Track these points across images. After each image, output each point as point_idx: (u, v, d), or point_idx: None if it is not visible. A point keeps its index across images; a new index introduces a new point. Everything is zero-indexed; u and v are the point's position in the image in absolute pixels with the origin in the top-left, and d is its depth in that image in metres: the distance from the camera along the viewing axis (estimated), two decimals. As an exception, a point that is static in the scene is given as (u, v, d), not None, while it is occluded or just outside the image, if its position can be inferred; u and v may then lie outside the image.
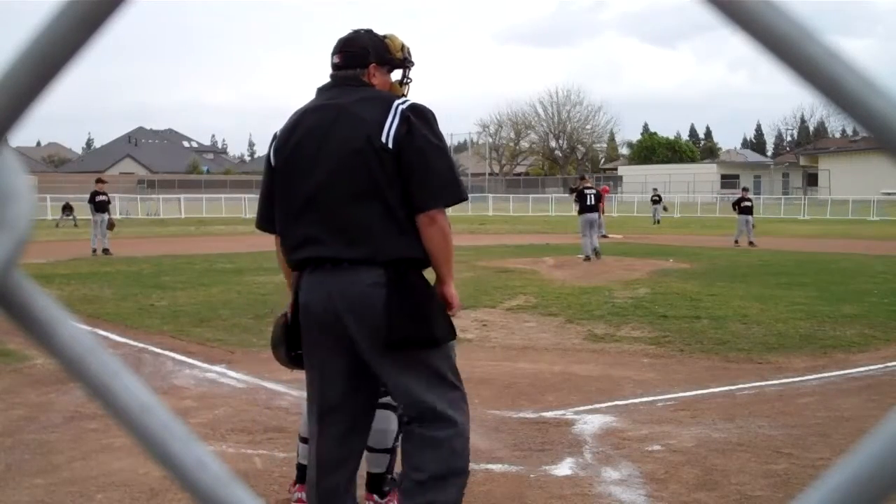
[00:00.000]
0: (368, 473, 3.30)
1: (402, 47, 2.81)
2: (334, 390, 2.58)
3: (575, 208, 17.28)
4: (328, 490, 2.63)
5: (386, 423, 3.16)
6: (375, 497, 3.35)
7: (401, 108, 2.50)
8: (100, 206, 17.19)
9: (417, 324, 2.49)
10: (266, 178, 2.70)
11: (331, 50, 2.71)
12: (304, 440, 3.40)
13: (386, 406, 3.06)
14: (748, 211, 20.52)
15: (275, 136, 2.70)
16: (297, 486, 3.43)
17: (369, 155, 2.45)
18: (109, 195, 18.38)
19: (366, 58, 2.65)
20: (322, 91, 2.68)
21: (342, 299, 2.46)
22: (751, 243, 19.74)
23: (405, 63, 2.83)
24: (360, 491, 3.36)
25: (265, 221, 2.74)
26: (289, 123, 2.66)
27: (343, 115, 2.53)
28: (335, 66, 2.67)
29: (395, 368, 2.52)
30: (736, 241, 20.00)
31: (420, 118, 2.51)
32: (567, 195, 17.10)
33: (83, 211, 23.25)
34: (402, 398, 2.58)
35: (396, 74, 2.85)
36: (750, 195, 22.15)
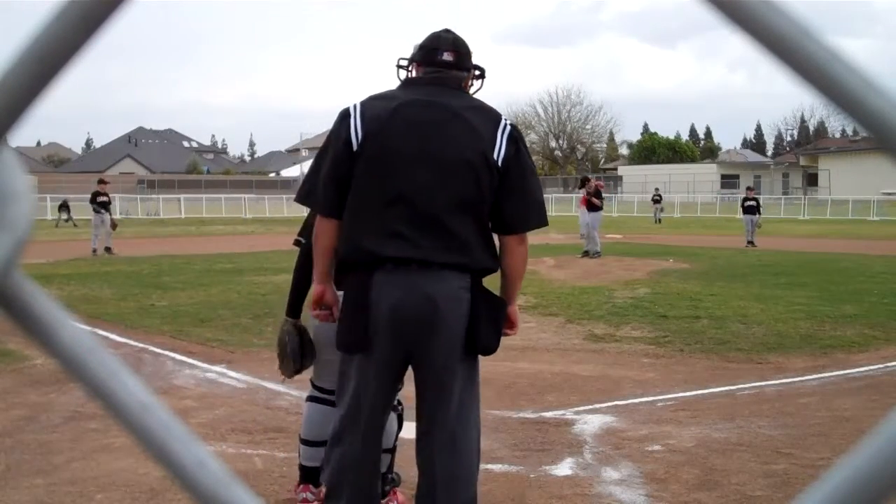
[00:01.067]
0: None
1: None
2: (384, 392, 2.58)
3: (580, 205, 17.40)
4: (363, 490, 2.64)
5: (388, 423, 3.16)
6: None
7: (508, 127, 2.54)
8: (101, 207, 17.20)
9: (495, 331, 2.55)
10: (339, 158, 2.50)
11: (426, 43, 2.63)
12: (305, 442, 3.39)
13: None
14: (751, 210, 20.37)
15: (346, 114, 2.52)
16: (302, 486, 3.43)
17: (481, 168, 2.47)
18: (110, 195, 18.40)
19: (471, 61, 2.67)
20: (416, 85, 2.60)
21: (439, 300, 2.44)
22: (750, 243, 19.64)
23: (479, 70, 2.82)
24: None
25: (327, 203, 2.53)
26: (379, 109, 2.51)
27: (457, 120, 2.50)
28: (446, 64, 2.59)
29: (459, 373, 2.52)
30: (749, 243, 19.65)
31: (522, 141, 2.58)
32: (577, 192, 17.42)
33: (81, 211, 23.25)
34: (443, 404, 2.55)
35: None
36: (755, 194, 21.82)
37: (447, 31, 2.68)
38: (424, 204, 2.45)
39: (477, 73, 2.71)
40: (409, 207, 2.45)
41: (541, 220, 2.60)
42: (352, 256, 2.52)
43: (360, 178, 2.49)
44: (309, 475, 3.37)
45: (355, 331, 2.50)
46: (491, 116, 2.55)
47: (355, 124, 2.49)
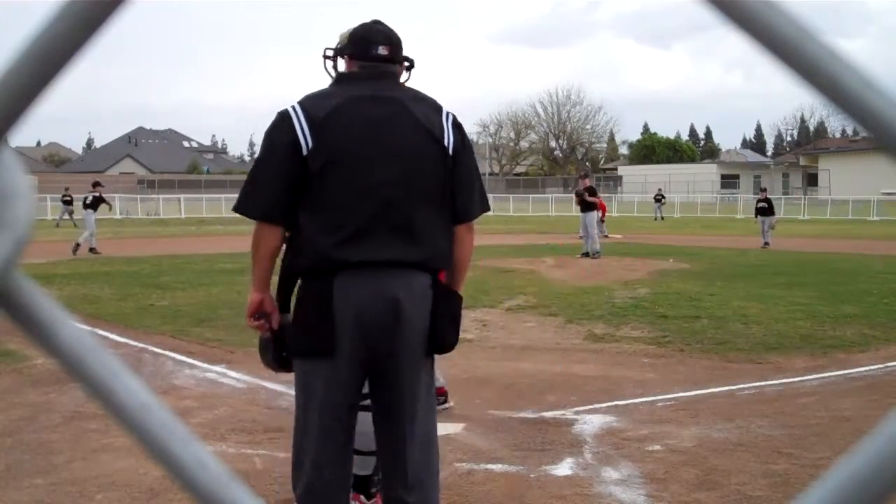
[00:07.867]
0: (355, 475, 3.30)
1: None
2: (352, 396, 2.50)
3: (576, 206, 17.42)
4: (336, 497, 2.58)
5: (366, 424, 3.13)
6: (362, 497, 3.35)
7: (451, 116, 2.51)
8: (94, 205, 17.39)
9: (454, 328, 2.52)
10: (287, 162, 2.36)
11: (359, 35, 2.53)
12: (355, 451, 3.37)
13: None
14: (764, 212, 20.09)
15: (286, 116, 2.39)
16: (353, 494, 3.42)
17: (438, 159, 2.43)
18: (108, 195, 18.63)
19: (402, 53, 2.59)
20: (353, 81, 2.50)
21: (404, 301, 2.37)
22: (766, 244, 19.39)
23: (409, 61, 2.76)
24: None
25: (272, 207, 2.41)
26: (325, 109, 2.38)
27: (406, 113, 2.43)
28: (381, 59, 2.50)
29: (420, 374, 2.48)
30: (766, 244, 19.42)
31: (462, 127, 2.55)
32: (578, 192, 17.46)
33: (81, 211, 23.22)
34: (410, 405, 2.48)
35: None
36: (768, 195, 21.37)
37: (378, 22, 2.59)
38: (388, 202, 2.37)
39: (406, 64, 2.62)
40: (372, 207, 2.36)
41: (486, 207, 2.62)
42: (316, 264, 2.41)
43: (315, 181, 2.37)
44: (360, 484, 3.35)
45: (319, 336, 2.39)
46: (433, 106, 2.51)
47: (301, 126, 2.36)
